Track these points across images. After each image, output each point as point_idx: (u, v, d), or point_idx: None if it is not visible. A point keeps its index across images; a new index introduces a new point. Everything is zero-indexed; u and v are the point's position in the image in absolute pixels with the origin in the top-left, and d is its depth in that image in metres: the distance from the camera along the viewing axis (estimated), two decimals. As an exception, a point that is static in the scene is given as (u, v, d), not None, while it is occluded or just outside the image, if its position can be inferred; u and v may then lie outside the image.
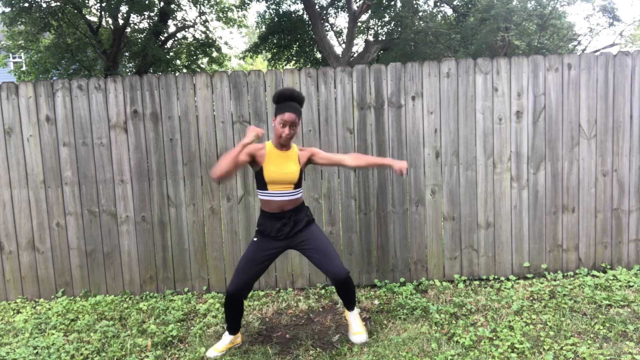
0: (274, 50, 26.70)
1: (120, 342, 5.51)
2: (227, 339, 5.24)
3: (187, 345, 5.43)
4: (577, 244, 6.85)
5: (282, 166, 4.95)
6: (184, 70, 24.52)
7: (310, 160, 5.16)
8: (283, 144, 4.95)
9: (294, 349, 5.23)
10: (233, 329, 5.22)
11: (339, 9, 25.86)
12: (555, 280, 6.67)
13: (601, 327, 5.29)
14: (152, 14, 20.94)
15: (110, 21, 20.82)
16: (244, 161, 4.84)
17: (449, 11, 25.49)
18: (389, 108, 6.65)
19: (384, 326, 5.61)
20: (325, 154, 5.18)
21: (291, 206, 5.03)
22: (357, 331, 5.23)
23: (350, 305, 5.33)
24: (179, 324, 5.92)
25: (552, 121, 6.68)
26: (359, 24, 24.37)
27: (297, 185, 5.03)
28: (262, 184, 4.99)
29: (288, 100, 4.89)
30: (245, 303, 6.38)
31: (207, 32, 24.46)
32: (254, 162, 4.96)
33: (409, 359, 4.84)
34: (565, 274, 6.84)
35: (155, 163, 6.72)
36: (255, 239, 5.10)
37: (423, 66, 6.63)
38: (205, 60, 26.18)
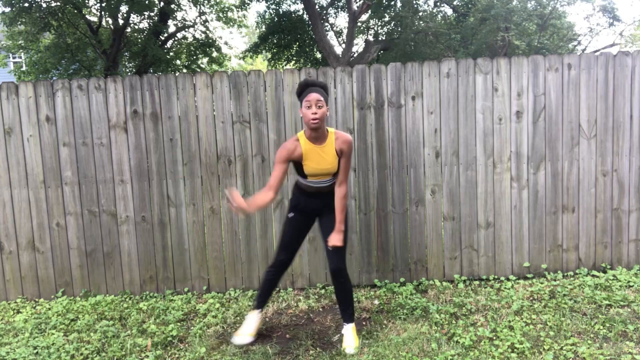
0: (274, 50, 26.66)
1: (120, 342, 5.49)
2: (256, 318, 5.56)
3: (187, 345, 5.41)
4: (577, 244, 6.84)
5: (320, 162, 5.00)
6: (184, 70, 24.50)
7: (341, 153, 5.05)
8: (314, 128, 4.84)
9: (294, 349, 5.21)
10: (263, 302, 5.61)
11: (339, 9, 25.84)
12: (555, 280, 6.66)
13: (601, 327, 5.28)
14: (152, 14, 20.92)
15: (110, 21, 20.79)
16: (285, 170, 5.01)
17: (449, 11, 25.48)
18: (389, 108, 6.63)
19: (383, 326, 5.59)
20: (343, 165, 5.09)
21: (327, 190, 5.20)
22: (348, 344, 5.18)
23: (346, 316, 5.37)
24: (179, 324, 5.91)
25: (552, 121, 6.66)
26: (359, 24, 24.34)
27: (336, 174, 5.13)
28: (301, 174, 5.15)
29: (309, 86, 4.90)
30: (245, 303, 6.38)
31: (207, 32, 24.45)
32: (293, 161, 5.08)
33: (409, 359, 4.83)
34: (565, 274, 6.83)
35: (155, 163, 6.70)
36: (291, 215, 5.35)
37: (423, 66, 6.62)
38: (205, 60, 26.14)
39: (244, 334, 5.37)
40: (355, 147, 6.69)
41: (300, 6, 25.17)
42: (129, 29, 21.41)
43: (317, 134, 4.91)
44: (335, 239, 5.03)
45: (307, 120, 4.78)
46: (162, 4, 20.85)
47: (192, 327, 5.82)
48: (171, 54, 24.36)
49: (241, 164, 6.69)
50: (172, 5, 21.05)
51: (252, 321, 5.50)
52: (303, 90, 4.91)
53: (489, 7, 18.63)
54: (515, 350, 4.90)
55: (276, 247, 5.50)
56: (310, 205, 5.27)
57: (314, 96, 4.75)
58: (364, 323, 5.75)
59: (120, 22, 20.32)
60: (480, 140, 6.66)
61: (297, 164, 5.05)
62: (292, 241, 5.35)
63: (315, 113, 4.73)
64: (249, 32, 50.15)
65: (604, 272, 6.85)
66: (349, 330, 5.29)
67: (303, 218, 5.34)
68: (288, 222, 5.35)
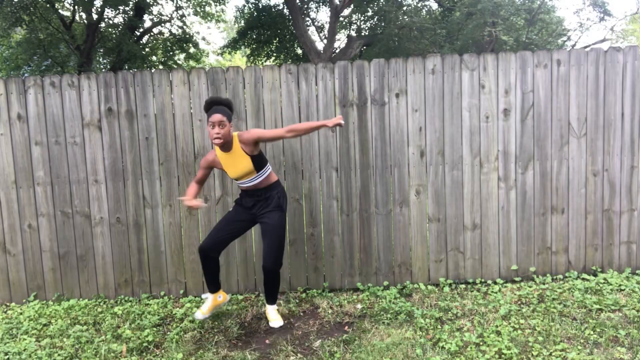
0: (253, 46, 26.45)
1: (95, 347, 5.39)
2: (210, 299, 5.85)
3: (163, 350, 5.31)
4: (567, 246, 6.74)
5: (236, 166, 5.46)
6: (160, 67, 24.29)
7: (258, 142, 5.43)
8: (217, 145, 5.32)
9: (273, 355, 5.14)
10: (212, 285, 5.82)
11: (321, 3, 25.68)
12: (544, 283, 6.58)
13: (591, 332, 5.21)
14: (127, 8, 20.70)
15: (84, 16, 20.58)
16: (206, 174, 5.75)
17: (434, 5, 25.42)
18: (372, 106, 6.52)
19: (366, 331, 5.51)
20: (269, 134, 5.39)
21: (262, 185, 5.58)
22: (274, 318, 5.84)
23: (270, 299, 5.90)
24: (155, 329, 5.82)
25: (541, 119, 6.56)
26: (341, 18, 24.21)
27: (258, 168, 5.49)
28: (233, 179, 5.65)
29: (214, 105, 5.39)
30: (223, 307, 6.25)
31: (184, 27, 24.22)
32: (216, 167, 5.68)
33: (391, 366, 4.72)
34: (555, 277, 6.74)
35: (131, 162, 6.58)
36: (231, 210, 5.82)
37: (407, 62, 6.51)
38: (182, 56, 25.96)
39: (198, 310, 5.83)
40: (337, 146, 6.59)
41: (280, 0, 25.06)
42: (103, 24, 21.17)
43: (226, 147, 5.44)
44: (334, 120, 5.37)
45: (211, 138, 5.29)
46: (137, -3, 20.70)
47: (168, 332, 5.71)
48: (147, 49, 24.11)
49: (219, 164, 6.52)
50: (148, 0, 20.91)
51: (209, 301, 5.89)
52: (209, 108, 5.40)
53: (475, 2, 18.60)
54: (502, 356, 4.82)
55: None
56: (248, 200, 5.65)
57: (216, 117, 5.22)
58: (346, 328, 5.66)
59: (94, 16, 20.10)
60: (467, 139, 6.55)
61: (225, 173, 5.91)
62: (224, 230, 5.62)
63: (218, 133, 5.24)
64: (227, 27, 50.26)
65: (595, 275, 6.76)
66: (272, 310, 5.92)
67: (240, 211, 5.71)
68: (226, 214, 5.80)
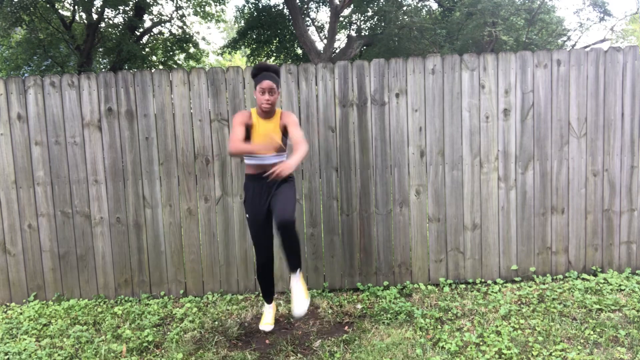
0: (253, 46, 26.40)
1: (95, 347, 5.38)
2: (271, 308, 5.84)
3: (163, 351, 5.30)
4: (567, 246, 6.73)
5: (267, 135, 5.27)
6: (160, 67, 24.24)
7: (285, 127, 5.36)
8: (266, 111, 5.23)
9: (273, 355, 5.13)
10: (269, 298, 5.81)
11: (321, 3, 25.64)
12: (544, 283, 6.57)
13: (591, 332, 5.20)
14: (127, 8, 20.64)
15: (84, 16, 20.49)
16: (244, 131, 5.26)
17: (434, 5, 25.40)
18: (372, 105, 6.51)
19: (366, 331, 5.50)
20: (293, 132, 5.22)
21: (270, 167, 5.17)
22: (298, 298, 5.20)
23: (292, 265, 5.32)
24: (155, 329, 5.81)
25: (541, 119, 6.55)
26: (341, 18, 24.15)
27: (280, 149, 5.31)
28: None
29: (264, 71, 5.25)
30: (223, 307, 6.24)
31: (184, 27, 24.14)
32: (247, 125, 5.34)
33: (391, 366, 4.71)
34: (555, 277, 6.73)
35: (131, 162, 6.57)
36: (247, 215, 5.50)
37: (407, 62, 6.50)
38: (182, 56, 25.87)
39: (264, 324, 5.70)
40: (337, 146, 6.58)
41: (280, 0, 25.01)
42: (103, 24, 21.10)
43: (268, 115, 5.33)
44: (282, 166, 4.79)
45: (260, 104, 5.21)
46: (137, -3, 20.66)
47: (168, 332, 5.69)
48: (147, 49, 24.03)
49: (219, 164, 6.56)
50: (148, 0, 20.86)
51: (268, 313, 5.80)
52: (257, 74, 5.28)
53: (475, 2, 18.57)
54: (502, 356, 4.82)
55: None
56: (259, 192, 5.35)
57: (267, 84, 5.15)
58: (346, 328, 5.65)
59: (94, 16, 20.03)
60: (467, 139, 6.54)
61: (247, 134, 5.34)
62: (260, 239, 5.45)
63: (268, 100, 5.18)
64: (227, 27, 50.21)
65: (595, 275, 6.75)
66: (297, 283, 5.30)
67: (257, 212, 5.39)
68: (249, 224, 5.54)
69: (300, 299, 5.15)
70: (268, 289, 5.68)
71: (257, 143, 5.25)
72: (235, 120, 5.26)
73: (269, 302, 5.78)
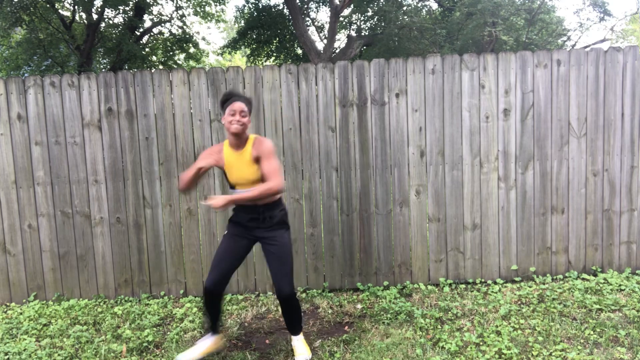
0: (253, 46, 26.37)
1: (94, 347, 5.38)
2: (212, 340, 5.13)
3: (163, 351, 5.30)
4: (567, 246, 6.72)
5: (241, 169, 4.83)
6: (160, 67, 24.22)
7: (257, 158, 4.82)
8: (235, 134, 4.72)
9: (273, 355, 5.13)
10: (214, 328, 5.12)
11: (321, 3, 25.62)
12: (544, 283, 6.56)
13: (591, 332, 5.19)
14: (127, 8, 20.60)
15: (84, 16, 20.46)
16: (207, 168, 4.81)
17: (434, 5, 25.36)
18: (372, 105, 6.51)
19: (366, 331, 5.50)
20: (264, 165, 4.76)
21: (262, 202, 4.85)
22: (301, 352, 5.05)
23: (293, 330, 5.15)
24: (155, 329, 5.80)
25: (541, 119, 6.55)
26: (341, 18, 24.13)
27: (263, 180, 4.81)
28: (229, 184, 4.96)
29: (234, 96, 4.85)
30: (223, 307, 6.22)
31: (184, 27, 24.10)
32: (218, 164, 4.93)
33: (391, 366, 4.71)
34: (555, 277, 6.72)
35: (131, 162, 6.57)
36: (226, 232, 5.05)
37: (407, 62, 6.50)
38: (182, 56, 25.82)
39: (190, 350, 5.05)
40: (337, 146, 6.57)
41: (280, 0, 25.00)
42: (103, 24, 21.05)
43: (238, 141, 4.83)
44: (215, 199, 4.54)
45: (229, 125, 4.72)
46: (137, -3, 20.64)
47: (168, 332, 5.70)
48: (147, 49, 23.99)
49: (219, 164, 6.51)
50: (148, 0, 20.84)
51: (207, 342, 5.14)
52: (228, 99, 4.86)
53: (475, 2, 18.54)
54: (502, 356, 4.81)
55: None
56: (244, 218, 4.95)
57: (238, 105, 4.74)
58: (346, 328, 5.64)
59: (94, 16, 19.99)
60: (467, 139, 6.54)
61: (224, 173, 5.03)
62: (221, 261, 4.92)
63: (239, 121, 4.70)
64: (227, 28, 50.18)
65: (595, 275, 6.75)
66: (299, 342, 5.14)
67: (237, 235, 4.98)
68: (222, 240, 5.06)
69: (301, 353, 5.03)
70: (216, 316, 5.09)
71: (233, 180, 4.87)
72: (200, 157, 4.96)
73: (216, 332, 5.17)
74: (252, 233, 4.97)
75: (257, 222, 4.91)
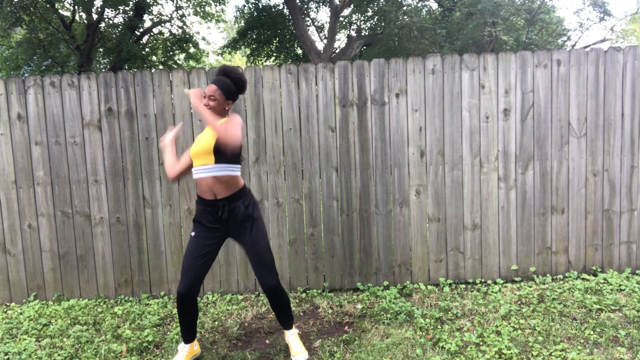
0: (253, 46, 26.39)
1: (95, 347, 5.37)
2: (184, 350, 4.96)
3: (163, 350, 5.29)
4: (567, 246, 6.72)
5: (201, 139, 4.71)
6: (160, 67, 24.21)
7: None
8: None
9: (273, 355, 5.12)
10: (188, 336, 4.93)
11: (321, 3, 25.62)
12: (544, 283, 6.56)
13: (591, 332, 5.19)
14: (127, 8, 20.59)
15: (84, 16, 20.46)
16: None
17: (434, 5, 25.42)
18: (372, 105, 6.51)
19: (366, 331, 5.49)
20: (223, 126, 4.46)
21: (223, 191, 4.65)
22: (298, 351, 4.94)
23: (286, 323, 5.08)
24: (155, 328, 5.80)
25: (541, 119, 6.54)
26: (341, 18, 24.14)
27: (220, 157, 4.59)
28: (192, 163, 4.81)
29: (219, 75, 4.77)
30: (223, 307, 6.23)
31: (184, 27, 24.10)
32: None
33: (391, 366, 4.71)
34: (555, 277, 6.72)
35: (131, 162, 6.57)
36: (192, 233, 4.80)
37: (407, 62, 6.50)
38: (182, 56, 25.80)
39: None
40: (337, 146, 6.57)
41: (280, 0, 25.00)
42: (103, 24, 21.05)
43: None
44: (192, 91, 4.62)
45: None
46: (137, -3, 20.64)
47: (168, 332, 5.69)
48: (147, 49, 23.98)
49: (219, 164, 6.51)
50: (148, 0, 20.84)
51: (183, 352, 4.98)
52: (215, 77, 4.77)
53: (475, 2, 18.57)
54: (502, 356, 4.80)
55: None
56: (208, 217, 4.73)
57: (210, 88, 4.65)
58: (346, 328, 5.64)
59: (94, 16, 19.99)
60: (467, 139, 6.53)
61: None
62: (190, 265, 4.68)
63: (206, 105, 4.62)
64: (227, 28, 50.17)
65: (595, 275, 6.74)
66: (293, 337, 5.08)
67: (203, 234, 4.75)
68: (188, 242, 4.81)
69: (298, 352, 4.93)
70: (191, 322, 4.86)
71: (192, 151, 4.72)
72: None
73: (189, 340, 4.98)
74: (220, 232, 4.78)
75: (223, 217, 4.69)
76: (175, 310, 6.22)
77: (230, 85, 4.69)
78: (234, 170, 4.68)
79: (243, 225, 4.72)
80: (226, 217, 4.68)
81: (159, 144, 4.40)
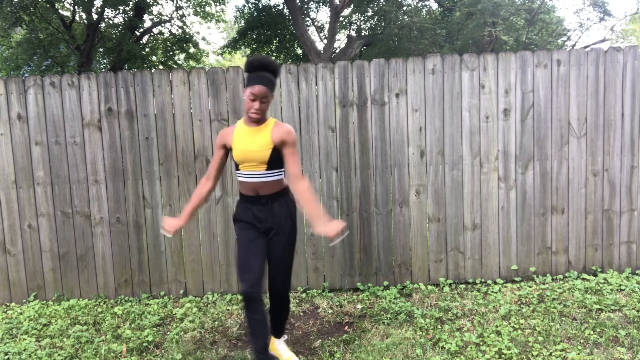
0: (253, 46, 26.40)
1: (94, 347, 5.37)
2: (282, 343, 5.00)
3: (163, 351, 5.29)
4: (567, 246, 6.71)
5: (249, 143, 4.47)
6: (160, 67, 24.20)
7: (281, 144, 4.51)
8: (253, 120, 4.45)
9: (273, 355, 5.03)
10: (279, 331, 4.98)
11: (321, 3, 25.62)
12: (544, 283, 6.55)
13: (591, 332, 5.18)
14: (127, 8, 20.59)
15: (84, 16, 20.49)
16: (222, 156, 4.69)
17: (434, 5, 25.44)
18: (372, 105, 6.50)
19: (366, 331, 5.49)
20: (291, 160, 4.53)
21: (268, 190, 4.56)
22: (289, 355, 4.86)
23: (277, 330, 4.99)
24: (155, 329, 5.79)
25: (541, 119, 6.54)
26: (341, 18, 24.13)
27: (272, 165, 4.52)
28: (235, 164, 4.60)
29: (258, 70, 4.44)
30: (223, 307, 6.23)
31: (184, 27, 24.11)
32: (227, 147, 4.67)
33: (390, 366, 4.71)
34: (555, 277, 6.71)
35: (131, 162, 6.56)
36: (238, 232, 4.64)
37: (407, 62, 6.49)
38: (182, 56, 25.82)
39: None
40: (337, 146, 6.56)
41: (280, 0, 25.01)
42: (103, 24, 21.05)
43: (254, 120, 4.49)
44: (330, 229, 4.26)
45: (248, 110, 4.40)
46: (137, -3, 20.64)
47: (168, 333, 5.69)
48: (147, 49, 23.99)
49: (219, 164, 6.50)
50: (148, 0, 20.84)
51: (284, 346, 4.98)
52: (252, 71, 4.47)
53: (475, 2, 18.58)
54: (502, 356, 4.80)
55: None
56: (250, 214, 4.60)
57: (259, 89, 4.33)
58: (346, 328, 5.63)
59: (94, 16, 20.01)
60: (467, 139, 6.53)
61: (230, 152, 4.65)
62: (246, 260, 4.50)
63: (258, 108, 4.37)
64: (227, 28, 50.16)
65: (595, 275, 6.74)
66: (282, 344, 4.98)
67: (247, 230, 4.60)
68: (237, 246, 4.63)
69: (289, 357, 4.84)
70: (265, 321, 4.53)
71: (240, 161, 4.51)
72: (215, 144, 4.79)
73: (280, 334, 5.01)
74: (260, 228, 4.60)
75: (264, 215, 4.56)
76: (175, 311, 6.21)
77: (273, 80, 4.49)
78: (282, 174, 4.64)
79: (279, 223, 4.61)
80: (266, 214, 4.58)
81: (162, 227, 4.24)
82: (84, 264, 6.69)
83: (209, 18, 25.42)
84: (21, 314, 6.37)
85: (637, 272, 6.73)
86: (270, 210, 4.57)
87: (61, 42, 20.38)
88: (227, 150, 4.67)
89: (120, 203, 6.61)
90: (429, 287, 6.60)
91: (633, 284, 6.30)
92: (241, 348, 5.27)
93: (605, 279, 6.56)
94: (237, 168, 4.59)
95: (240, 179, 4.60)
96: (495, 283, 6.67)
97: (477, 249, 6.68)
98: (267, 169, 4.49)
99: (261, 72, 4.42)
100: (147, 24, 23.30)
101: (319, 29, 27.00)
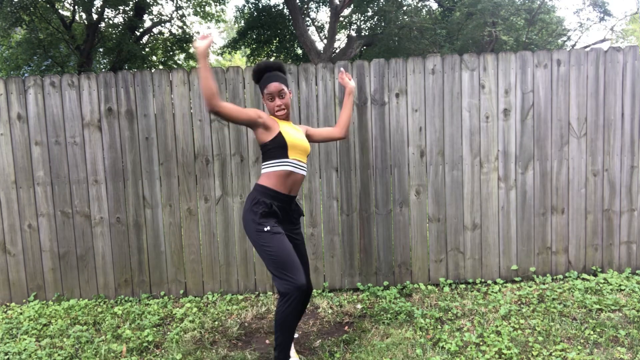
0: (253, 46, 26.36)
1: (95, 347, 5.36)
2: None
3: (163, 351, 5.28)
4: (567, 246, 6.71)
5: (296, 131, 4.55)
6: (160, 67, 24.19)
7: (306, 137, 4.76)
8: (282, 117, 4.51)
9: (273, 355, 5.03)
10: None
11: (321, 3, 25.59)
12: (544, 283, 6.55)
13: (592, 332, 5.17)
14: (127, 8, 20.57)
15: (84, 16, 20.43)
16: (250, 119, 4.29)
17: (434, 5, 25.34)
18: (372, 106, 6.50)
19: (366, 331, 5.48)
20: (317, 130, 4.99)
21: (297, 189, 4.56)
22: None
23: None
24: (155, 329, 5.79)
25: (541, 119, 6.54)
26: (341, 18, 24.10)
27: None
28: (280, 151, 4.39)
29: (266, 72, 4.53)
30: (223, 307, 6.23)
31: (184, 27, 24.09)
32: (263, 128, 4.40)
33: (390, 366, 4.70)
34: (555, 277, 6.71)
35: (131, 162, 6.56)
36: (266, 228, 4.32)
37: (407, 62, 6.49)
38: (182, 56, 25.79)
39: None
40: (337, 146, 6.58)
41: (280, 0, 24.99)
42: (103, 24, 21.00)
43: (283, 119, 4.56)
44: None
45: (273, 112, 4.50)
46: (137, -3, 20.62)
47: (168, 333, 5.68)
48: (147, 49, 23.94)
49: (219, 164, 6.55)
50: (148, -1, 20.86)
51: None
52: (260, 77, 4.56)
53: (475, 2, 18.53)
54: (502, 356, 4.79)
55: (281, 274, 4.26)
56: (278, 209, 4.45)
57: (274, 86, 4.42)
58: (346, 328, 5.63)
59: (94, 16, 19.98)
60: (467, 139, 6.53)
61: (276, 137, 4.39)
62: (293, 257, 4.30)
63: (280, 104, 4.46)
64: (227, 28, 50.10)
65: (595, 275, 6.74)
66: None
67: (285, 239, 4.37)
68: (273, 238, 4.30)
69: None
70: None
71: (293, 146, 4.41)
72: (255, 110, 4.36)
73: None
74: (285, 226, 4.56)
75: (287, 213, 4.55)
76: (175, 311, 6.20)
77: (281, 75, 4.58)
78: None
79: (298, 222, 4.75)
80: (291, 213, 4.61)
81: (195, 49, 3.95)
82: (84, 264, 6.69)
83: (209, 18, 25.38)
84: (21, 314, 6.37)
85: (637, 272, 6.73)
86: (294, 210, 4.68)
87: (61, 42, 20.35)
88: (263, 128, 4.41)
89: (120, 203, 6.61)
90: (429, 287, 6.60)
91: (633, 284, 6.29)
92: (241, 348, 5.26)
93: (605, 279, 6.55)
94: (282, 156, 4.42)
95: (286, 167, 4.41)
96: (495, 283, 6.67)
97: (477, 249, 6.68)
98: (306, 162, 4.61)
99: (268, 73, 4.55)
100: (147, 24, 23.27)
101: (319, 29, 26.97)
